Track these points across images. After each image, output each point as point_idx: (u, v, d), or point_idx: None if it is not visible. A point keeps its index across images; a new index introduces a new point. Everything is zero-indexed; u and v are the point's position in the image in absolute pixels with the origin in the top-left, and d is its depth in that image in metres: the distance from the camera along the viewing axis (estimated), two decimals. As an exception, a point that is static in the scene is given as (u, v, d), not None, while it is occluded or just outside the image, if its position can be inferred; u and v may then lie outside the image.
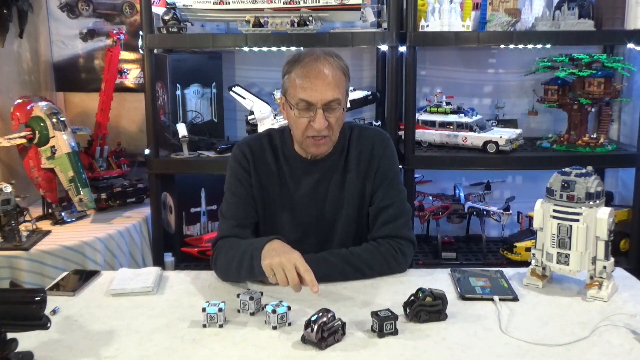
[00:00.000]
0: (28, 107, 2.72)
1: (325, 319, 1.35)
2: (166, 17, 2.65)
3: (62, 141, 2.65)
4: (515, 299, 1.60)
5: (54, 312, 1.54)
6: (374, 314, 1.41)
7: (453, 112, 2.84)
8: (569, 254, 1.61)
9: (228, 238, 1.78)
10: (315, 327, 1.33)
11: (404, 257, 1.80)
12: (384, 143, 1.88)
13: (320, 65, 1.70)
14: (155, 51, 2.72)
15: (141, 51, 2.71)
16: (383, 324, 1.39)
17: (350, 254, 1.76)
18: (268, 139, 1.89)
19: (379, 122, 2.99)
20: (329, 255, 1.76)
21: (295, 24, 2.60)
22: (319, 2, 2.62)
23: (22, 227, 2.49)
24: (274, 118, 2.73)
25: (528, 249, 2.55)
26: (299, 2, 2.62)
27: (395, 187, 1.86)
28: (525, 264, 1.76)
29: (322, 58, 1.73)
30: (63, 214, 2.77)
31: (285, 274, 1.50)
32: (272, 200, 1.86)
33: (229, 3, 2.65)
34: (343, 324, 1.39)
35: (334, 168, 1.86)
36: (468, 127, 2.78)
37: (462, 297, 1.61)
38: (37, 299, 1.21)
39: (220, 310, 1.46)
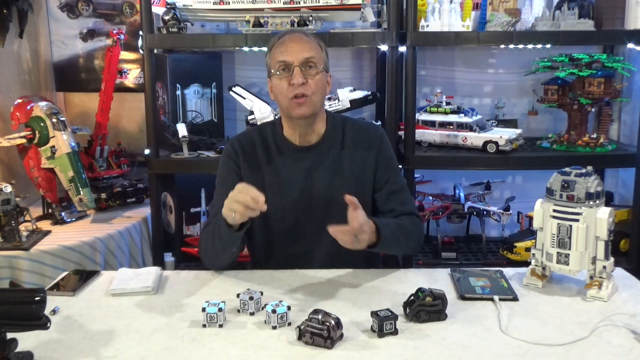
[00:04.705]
0: (28, 107, 2.71)
1: (313, 321, 1.36)
2: (166, 17, 2.65)
3: (62, 141, 2.64)
4: (515, 299, 1.60)
5: (54, 312, 1.54)
6: (374, 314, 1.41)
7: (453, 112, 2.84)
8: (568, 254, 1.61)
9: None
10: (307, 335, 1.36)
11: (421, 228, 1.96)
12: (379, 132, 1.99)
13: (295, 33, 1.87)
14: (155, 51, 2.72)
15: (141, 51, 2.71)
16: (383, 324, 1.39)
17: (401, 224, 1.83)
18: (258, 132, 1.97)
19: (379, 122, 2.98)
20: (390, 222, 1.80)
21: (295, 24, 2.60)
22: (319, 2, 2.61)
23: (22, 227, 2.48)
24: (274, 118, 2.73)
25: (528, 249, 2.55)
26: (299, 2, 2.62)
27: (399, 173, 2.02)
28: (525, 264, 1.76)
29: (298, 31, 1.94)
30: (63, 214, 2.77)
31: (237, 201, 1.59)
32: (264, 188, 1.88)
33: (229, 3, 2.65)
34: (337, 320, 1.38)
35: (326, 155, 1.91)
36: (468, 127, 2.78)
37: (462, 297, 1.61)
38: (37, 299, 1.21)
39: (220, 310, 1.46)
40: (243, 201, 1.59)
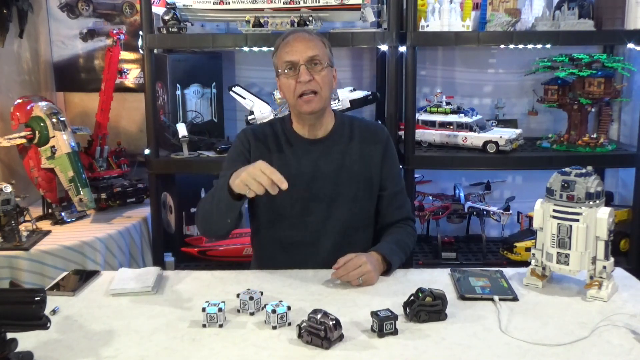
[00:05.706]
0: (28, 107, 2.71)
1: (312, 321, 1.36)
2: (166, 17, 2.65)
3: (62, 141, 2.64)
4: (515, 299, 1.60)
5: (54, 312, 1.54)
6: (374, 314, 1.41)
7: (453, 112, 2.84)
8: (568, 254, 1.61)
9: None
10: (305, 335, 1.36)
11: (416, 235, 2.04)
12: (386, 132, 2.06)
13: (298, 33, 1.93)
14: (155, 51, 2.72)
15: (141, 51, 2.71)
16: (383, 324, 1.39)
17: (400, 241, 1.91)
18: (269, 125, 2.04)
19: (379, 122, 2.98)
20: (392, 246, 1.87)
21: (295, 24, 2.60)
22: (319, 2, 2.62)
23: (22, 227, 2.48)
24: (274, 117, 2.73)
25: (528, 249, 2.55)
26: (299, 2, 2.62)
27: (400, 174, 2.12)
28: (525, 264, 1.76)
29: (301, 30, 2.03)
30: (63, 214, 2.77)
31: (257, 180, 1.59)
32: None
33: (229, 3, 2.65)
34: (336, 321, 1.38)
35: (334, 148, 1.96)
36: (468, 127, 2.78)
37: (462, 297, 1.61)
38: (37, 299, 1.21)
39: (220, 310, 1.46)
40: (264, 183, 1.59)
